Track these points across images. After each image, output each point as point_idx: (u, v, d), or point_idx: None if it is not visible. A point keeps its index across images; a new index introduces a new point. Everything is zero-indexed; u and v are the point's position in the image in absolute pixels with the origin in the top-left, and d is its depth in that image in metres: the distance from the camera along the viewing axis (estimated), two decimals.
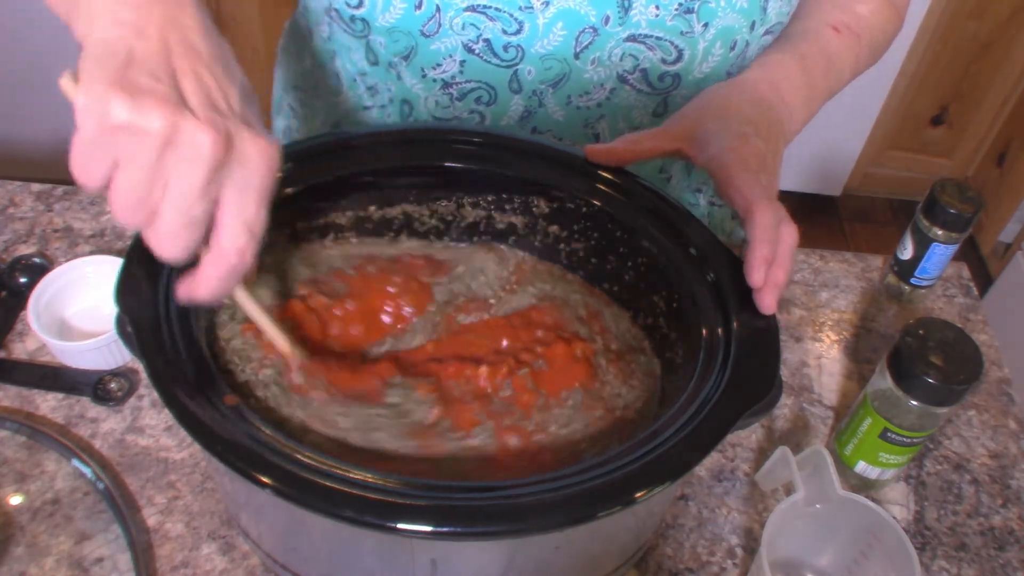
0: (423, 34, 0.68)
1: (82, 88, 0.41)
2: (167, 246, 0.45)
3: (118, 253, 0.80)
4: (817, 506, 0.60)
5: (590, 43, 0.68)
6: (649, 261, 0.61)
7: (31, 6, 1.79)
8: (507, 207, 0.65)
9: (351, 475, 0.43)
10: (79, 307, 0.76)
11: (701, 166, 0.61)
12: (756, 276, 0.54)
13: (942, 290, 0.88)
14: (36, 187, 0.88)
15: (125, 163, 0.42)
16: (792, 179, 2.28)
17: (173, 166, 0.42)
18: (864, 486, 0.71)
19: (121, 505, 0.62)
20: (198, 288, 0.47)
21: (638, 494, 0.44)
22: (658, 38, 0.68)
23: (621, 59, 0.70)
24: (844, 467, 0.70)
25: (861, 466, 0.69)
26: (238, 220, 0.46)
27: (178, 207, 0.44)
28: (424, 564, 0.49)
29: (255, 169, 0.45)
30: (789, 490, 0.62)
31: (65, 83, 0.43)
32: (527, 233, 0.66)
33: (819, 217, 2.34)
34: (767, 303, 0.54)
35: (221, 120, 0.44)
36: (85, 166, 0.42)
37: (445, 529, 0.42)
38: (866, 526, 0.60)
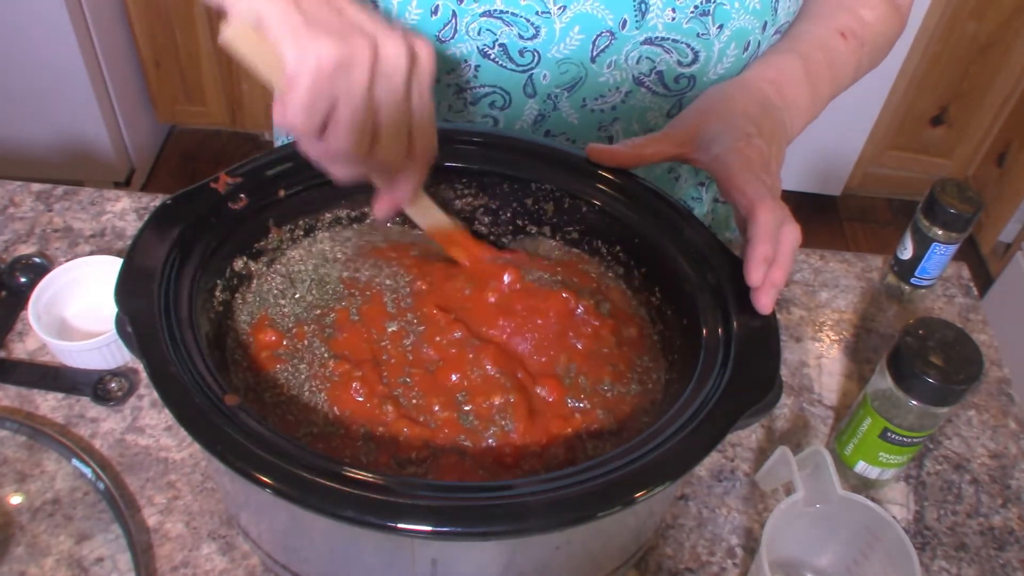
0: (439, 39, 0.68)
1: (287, 46, 0.45)
2: (391, 158, 0.50)
3: (118, 253, 0.80)
4: (817, 506, 0.60)
5: (607, 47, 0.68)
6: (649, 261, 0.61)
7: (31, 6, 1.80)
8: (506, 207, 0.65)
9: (351, 475, 0.43)
10: (79, 307, 0.76)
11: (704, 168, 0.60)
12: (755, 275, 0.54)
13: (942, 290, 0.88)
14: (36, 187, 0.88)
15: (345, 95, 0.46)
16: (792, 179, 2.28)
17: (382, 82, 0.47)
18: (864, 486, 0.71)
19: (121, 505, 0.62)
20: (401, 192, 0.54)
21: (638, 494, 0.44)
22: (674, 40, 0.68)
23: (638, 62, 0.70)
24: (844, 467, 0.70)
25: (861, 466, 0.69)
26: (426, 116, 0.51)
27: (392, 116, 0.48)
28: (424, 564, 0.49)
29: (427, 65, 0.49)
30: (789, 490, 0.62)
31: (232, 37, 0.46)
32: (526, 233, 0.66)
33: (819, 217, 2.34)
34: (764, 303, 0.53)
35: (390, 30, 0.47)
36: (310, 110, 0.46)
37: (445, 529, 0.42)
38: (866, 526, 0.60)
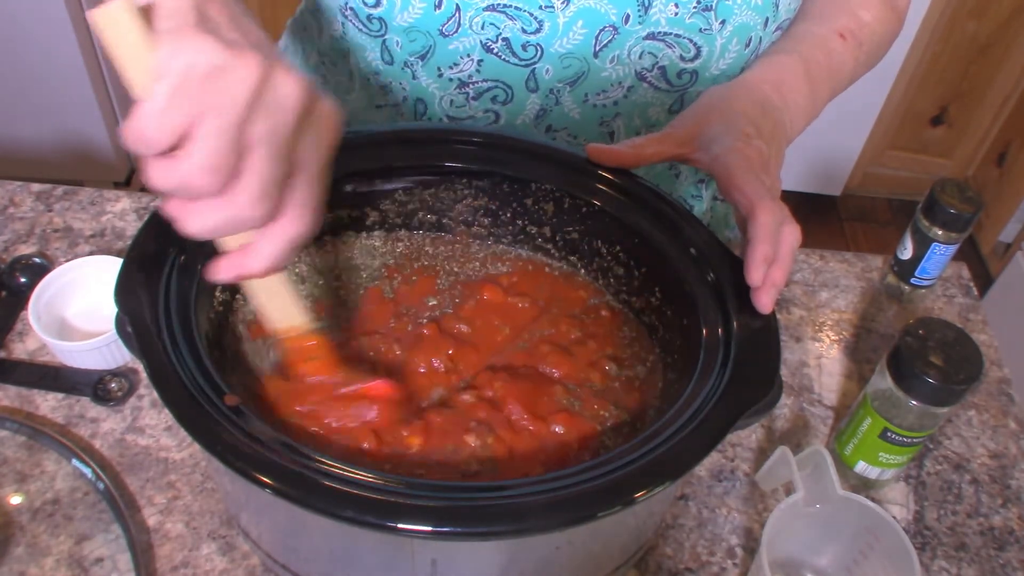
0: (442, 33, 0.68)
1: (167, 35, 0.37)
2: (247, 212, 0.40)
3: (118, 253, 0.80)
4: (817, 506, 0.60)
5: (609, 41, 0.68)
6: (649, 261, 0.61)
7: (31, 6, 1.79)
8: (506, 207, 0.65)
9: (351, 475, 0.43)
10: (79, 307, 0.76)
11: (704, 168, 0.61)
12: (755, 275, 0.54)
13: (942, 290, 0.88)
14: (36, 187, 0.88)
15: (214, 107, 0.37)
16: (792, 179, 2.28)
17: (263, 116, 0.39)
18: (864, 486, 0.71)
19: (121, 505, 0.62)
20: (252, 259, 0.43)
21: (638, 494, 0.44)
22: (677, 36, 0.69)
23: (640, 57, 0.70)
24: (844, 467, 0.70)
25: (861, 466, 0.69)
26: (312, 177, 0.42)
27: (271, 157, 0.39)
28: (424, 564, 0.49)
29: (327, 127, 0.43)
30: (789, 490, 0.62)
31: (104, 16, 0.37)
32: (526, 234, 0.66)
33: (819, 217, 2.34)
34: (764, 302, 0.54)
35: (296, 72, 0.40)
36: (166, 117, 0.37)
37: (445, 529, 0.42)
38: (866, 526, 0.60)
